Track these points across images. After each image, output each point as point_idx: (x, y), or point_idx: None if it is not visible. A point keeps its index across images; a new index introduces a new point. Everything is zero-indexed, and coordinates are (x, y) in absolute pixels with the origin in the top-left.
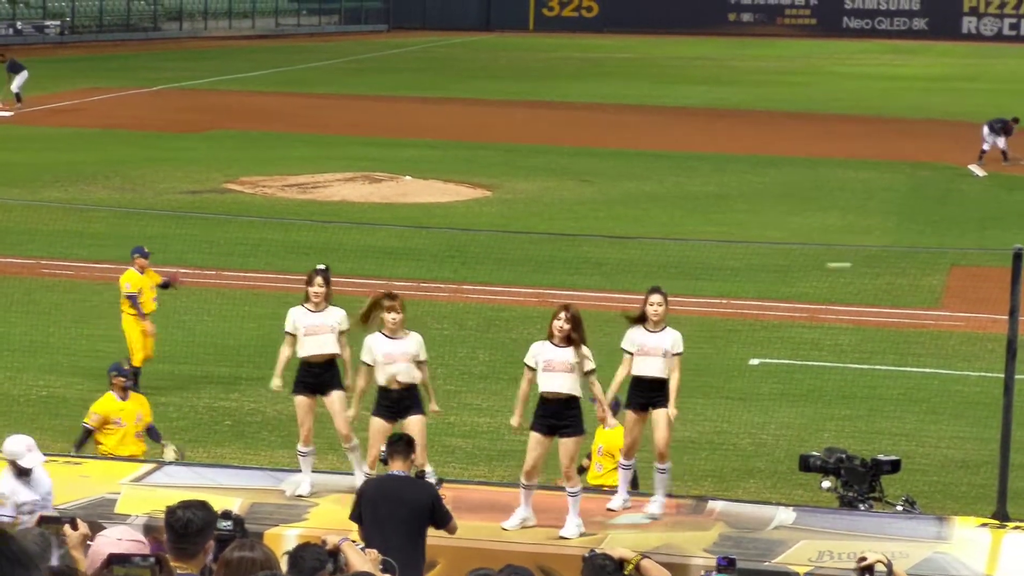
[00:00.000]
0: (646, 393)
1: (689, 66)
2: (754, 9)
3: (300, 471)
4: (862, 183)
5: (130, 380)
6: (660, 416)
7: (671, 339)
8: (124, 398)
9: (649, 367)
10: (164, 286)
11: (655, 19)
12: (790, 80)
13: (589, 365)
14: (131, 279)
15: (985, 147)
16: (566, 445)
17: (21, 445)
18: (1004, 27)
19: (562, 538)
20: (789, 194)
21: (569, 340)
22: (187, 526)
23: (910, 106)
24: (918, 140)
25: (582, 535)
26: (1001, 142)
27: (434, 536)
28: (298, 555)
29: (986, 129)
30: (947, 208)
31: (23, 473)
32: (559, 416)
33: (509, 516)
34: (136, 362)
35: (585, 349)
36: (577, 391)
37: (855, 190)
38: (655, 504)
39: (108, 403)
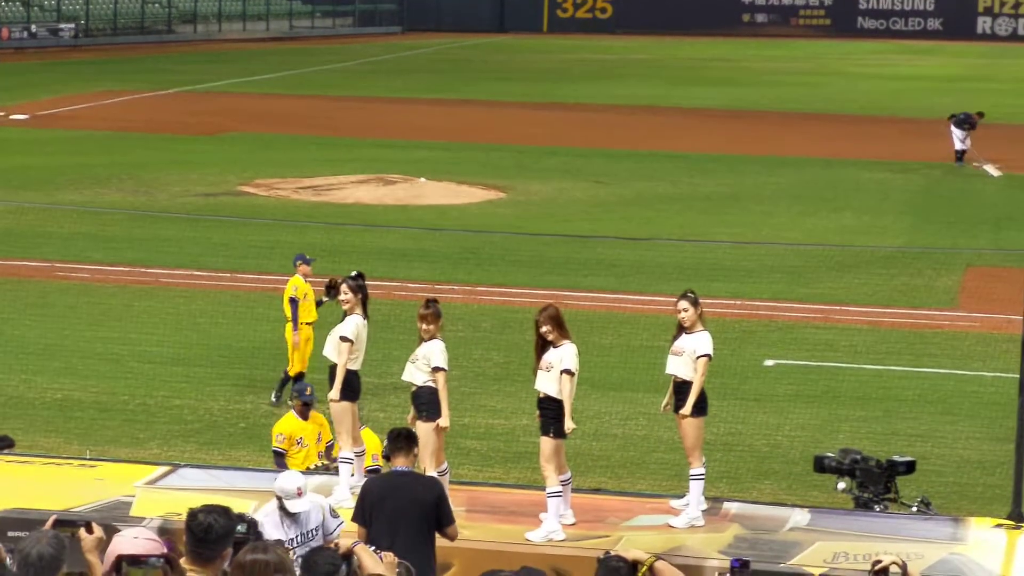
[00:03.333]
0: (676, 394)
1: (703, 67)
2: (768, 10)
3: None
4: (877, 183)
5: (310, 401)
6: (680, 419)
7: (695, 341)
8: (305, 418)
9: (672, 367)
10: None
11: (669, 20)
12: (804, 81)
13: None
14: (297, 283)
15: (959, 146)
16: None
17: (292, 486)
18: (1019, 27)
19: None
20: (803, 195)
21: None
22: (207, 531)
23: (925, 106)
24: (933, 140)
25: (553, 541)
26: (959, 136)
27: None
28: (311, 559)
29: (954, 127)
30: (962, 208)
31: (290, 511)
32: (541, 414)
33: (524, 518)
34: (291, 371)
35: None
36: (550, 390)
37: (870, 190)
38: (680, 518)
39: (290, 423)
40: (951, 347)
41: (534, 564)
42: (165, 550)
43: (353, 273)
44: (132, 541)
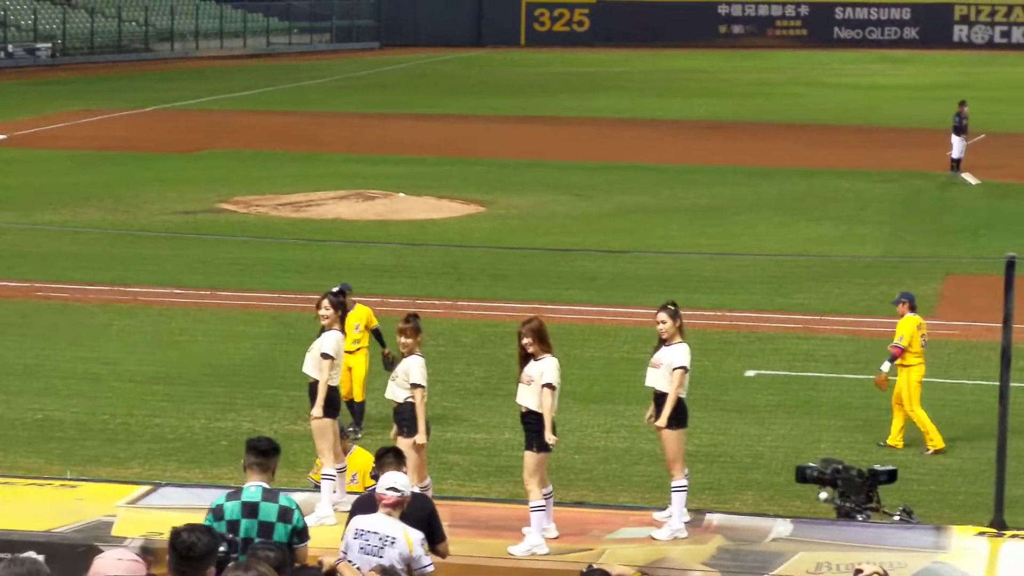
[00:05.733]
0: (656, 406)
1: (681, 79)
2: (744, 21)
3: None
4: (856, 193)
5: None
6: (662, 433)
7: (672, 353)
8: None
9: (651, 379)
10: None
11: (646, 33)
12: (782, 91)
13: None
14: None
15: (956, 155)
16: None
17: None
18: (995, 35)
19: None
20: (783, 205)
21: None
22: (191, 549)
23: (902, 115)
24: (911, 149)
25: (535, 554)
26: (958, 146)
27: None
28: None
29: (953, 137)
30: (941, 217)
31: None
32: (525, 428)
33: (507, 532)
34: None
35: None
36: (531, 404)
37: (849, 200)
38: (663, 530)
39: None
40: (931, 355)
41: None
42: (144, 571)
43: (335, 288)
44: (115, 562)
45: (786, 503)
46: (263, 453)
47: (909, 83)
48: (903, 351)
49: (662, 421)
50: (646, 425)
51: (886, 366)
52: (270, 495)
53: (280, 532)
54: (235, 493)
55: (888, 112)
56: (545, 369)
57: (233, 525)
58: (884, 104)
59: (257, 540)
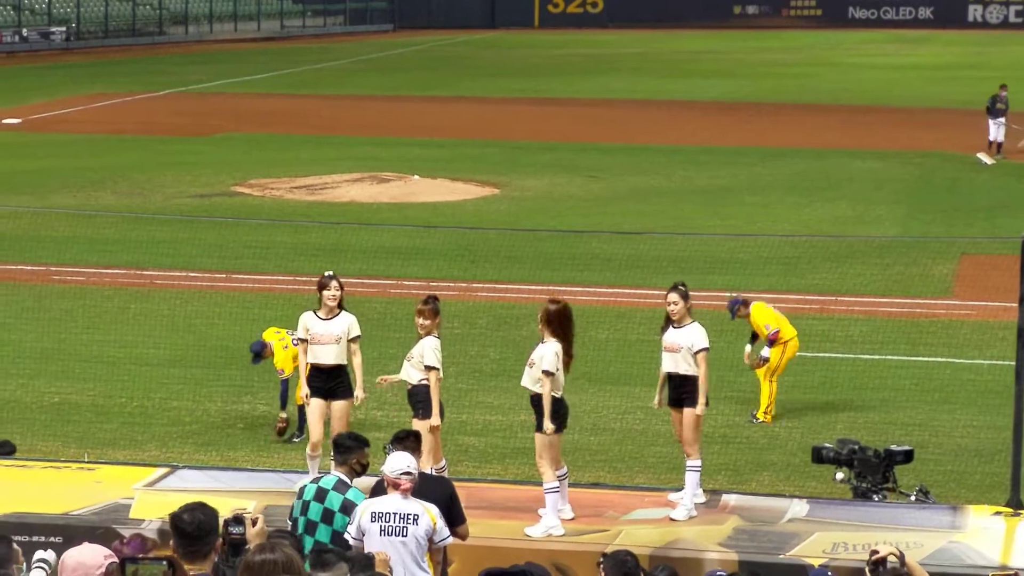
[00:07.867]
0: (676, 390)
1: (695, 60)
2: (759, 1)
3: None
4: (871, 173)
5: None
6: (685, 414)
7: (690, 335)
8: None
9: (670, 364)
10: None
11: (660, 13)
12: (797, 72)
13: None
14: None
15: (992, 137)
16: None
17: None
18: (1010, 14)
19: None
20: (798, 186)
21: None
22: (200, 527)
23: (917, 95)
24: (926, 129)
25: (552, 535)
26: (993, 129)
27: None
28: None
29: (990, 119)
30: (956, 197)
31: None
32: (534, 411)
33: (523, 514)
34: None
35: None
36: (533, 387)
37: (864, 180)
38: (679, 510)
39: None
40: (947, 335)
41: (534, 560)
42: (115, 559)
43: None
44: (87, 550)
45: (802, 483)
46: (340, 451)
47: (924, 63)
48: (778, 332)
49: (700, 408)
50: (658, 409)
51: (767, 351)
52: (341, 487)
53: (339, 522)
54: (318, 478)
55: (903, 92)
56: (545, 354)
57: (306, 505)
58: (899, 84)
59: (320, 525)
